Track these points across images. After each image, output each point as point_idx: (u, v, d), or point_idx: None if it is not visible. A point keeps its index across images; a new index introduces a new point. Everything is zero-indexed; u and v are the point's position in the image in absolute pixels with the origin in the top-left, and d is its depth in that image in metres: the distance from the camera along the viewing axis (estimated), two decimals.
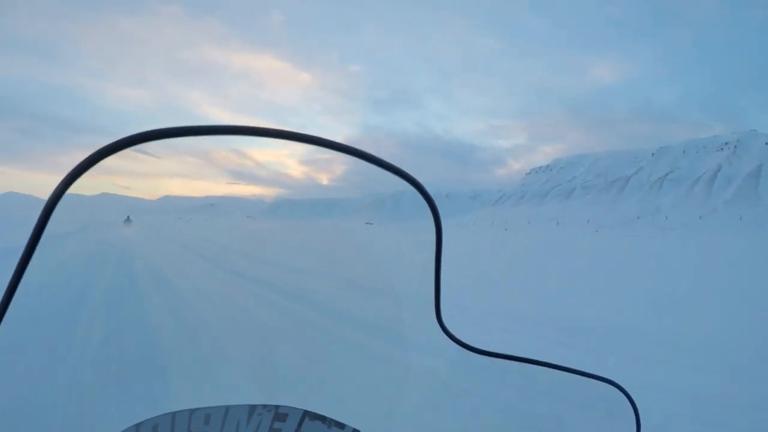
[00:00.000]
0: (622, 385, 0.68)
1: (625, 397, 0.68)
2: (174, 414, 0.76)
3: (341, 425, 0.78)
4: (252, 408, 0.79)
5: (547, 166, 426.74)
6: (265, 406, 0.80)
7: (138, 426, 0.72)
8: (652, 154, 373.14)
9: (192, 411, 0.77)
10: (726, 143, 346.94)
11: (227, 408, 0.78)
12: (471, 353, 0.64)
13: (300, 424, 0.77)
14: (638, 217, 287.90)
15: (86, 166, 0.41)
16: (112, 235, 20.27)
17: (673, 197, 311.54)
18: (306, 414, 0.79)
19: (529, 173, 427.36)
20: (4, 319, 0.44)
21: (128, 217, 43.72)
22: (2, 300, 0.43)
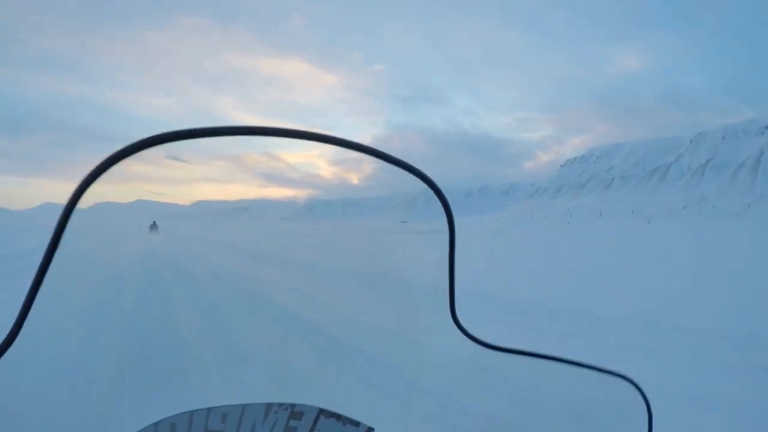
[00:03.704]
0: (635, 381, 0.70)
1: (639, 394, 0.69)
2: (192, 413, 0.77)
3: (356, 423, 0.78)
4: (268, 406, 0.80)
5: (582, 156, 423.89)
6: (281, 404, 0.81)
7: (156, 425, 0.73)
8: (691, 140, 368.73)
9: (209, 410, 0.78)
10: (766, 127, 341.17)
11: (244, 406, 0.79)
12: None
13: (315, 422, 0.78)
14: (684, 207, 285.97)
15: (101, 170, 0.41)
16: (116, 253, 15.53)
17: (718, 185, 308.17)
18: (321, 412, 0.80)
19: (564, 165, 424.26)
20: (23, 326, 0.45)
21: (154, 222, 36.92)
22: (22, 306, 0.45)
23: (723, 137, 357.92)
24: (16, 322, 0.45)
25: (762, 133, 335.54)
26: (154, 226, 34.97)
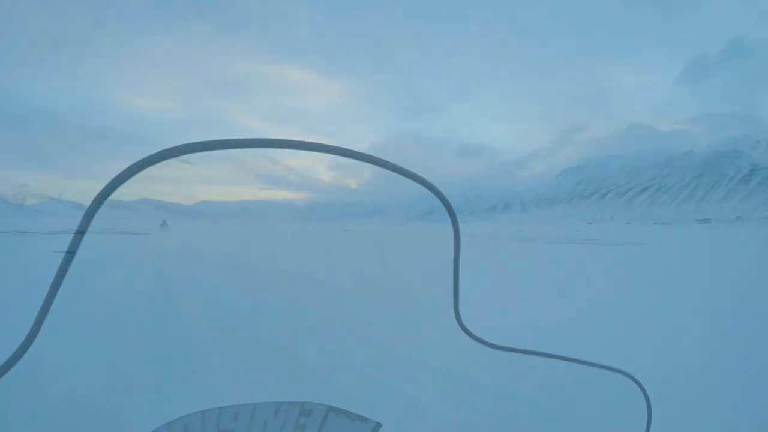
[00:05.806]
0: (635, 376, 0.70)
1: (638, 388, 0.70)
2: (204, 412, 0.78)
3: (364, 419, 0.80)
4: (278, 405, 0.82)
5: (578, 167, 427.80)
6: (291, 402, 0.82)
7: (169, 425, 0.74)
8: (684, 153, 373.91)
9: (221, 409, 0.80)
10: (757, 141, 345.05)
11: (255, 405, 0.81)
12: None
13: (325, 419, 0.79)
14: (685, 216, 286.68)
15: (125, 178, 0.43)
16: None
17: (716, 196, 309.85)
18: (330, 409, 0.82)
19: (560, 174, 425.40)
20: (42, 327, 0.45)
21: (164, 221, 38.04)
22: (41, 309, 0.44)
23: (717, 151, 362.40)
24: (32, 327, 0.45)
25: (754, 148, 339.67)
26: (164, 225, 36.00)
